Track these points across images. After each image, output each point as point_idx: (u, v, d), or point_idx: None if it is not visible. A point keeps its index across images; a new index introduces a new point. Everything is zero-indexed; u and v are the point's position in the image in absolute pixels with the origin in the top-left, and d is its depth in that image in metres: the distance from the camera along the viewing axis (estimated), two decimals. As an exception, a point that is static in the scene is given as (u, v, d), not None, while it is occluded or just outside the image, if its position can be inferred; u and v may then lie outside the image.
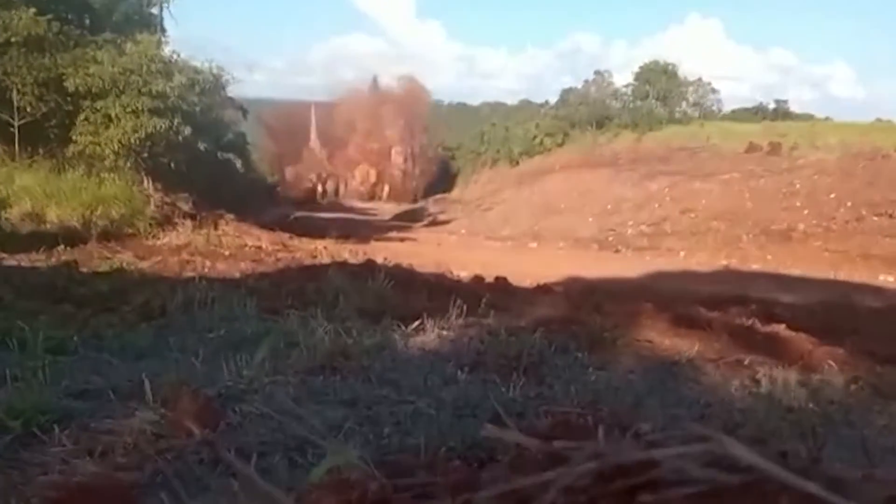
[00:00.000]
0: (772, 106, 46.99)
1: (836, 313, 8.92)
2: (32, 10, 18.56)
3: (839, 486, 1.39)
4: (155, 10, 28.57)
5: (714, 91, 45.24)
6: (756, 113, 44.79)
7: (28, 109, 17.87)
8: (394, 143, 48.88)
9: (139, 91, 18.00)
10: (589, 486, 1.44)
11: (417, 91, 52.42)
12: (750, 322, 6.36)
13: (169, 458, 2.22)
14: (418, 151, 49.35)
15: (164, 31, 26.96)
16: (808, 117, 42.31)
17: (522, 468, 1.75)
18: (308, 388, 3.21)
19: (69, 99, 18.44)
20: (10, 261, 9.86)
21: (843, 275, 17.35)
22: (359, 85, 53.39)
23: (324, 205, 40.87)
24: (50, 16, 18.92)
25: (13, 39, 17.90)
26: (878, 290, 14.64)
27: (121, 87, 18.00)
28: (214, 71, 20.48)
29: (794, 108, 47.19)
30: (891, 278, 17.12)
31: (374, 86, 53.02)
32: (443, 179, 48.23)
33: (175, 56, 20.02)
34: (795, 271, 18.25)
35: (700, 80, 44.78)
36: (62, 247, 11.48)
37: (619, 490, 1.40)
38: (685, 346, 4.89)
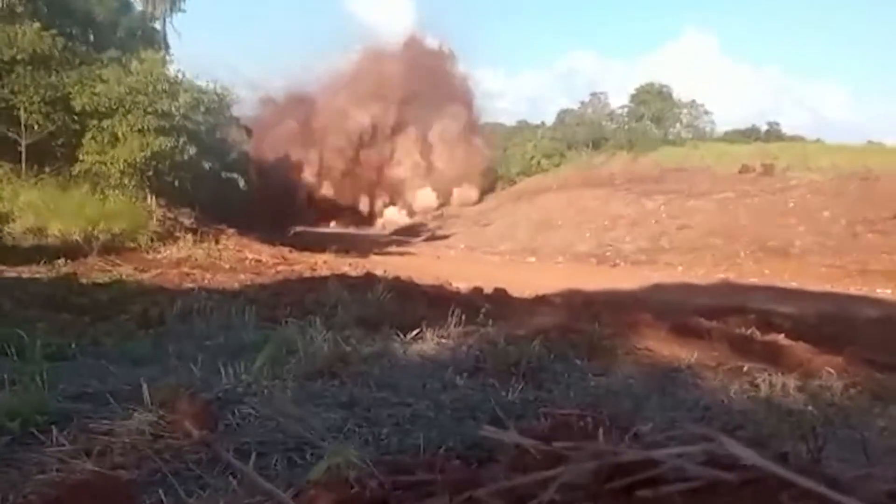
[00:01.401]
0: (764, 128, 47.92)
1: (835, 323, 8.94)
2: (37, 24, 18.69)
3: (839, 484, 1.39)
4: (158, 25, 28.91)
5: (707, 112, 46.54)
6: (748, 136, 45.36)
7: (35, 128, 17.94)
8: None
9: (145, 111, 18.06)
10: (588, 484, 1.44)
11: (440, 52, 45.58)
12: (749, 331, 6.37)
13: (167, 458, 2.22)
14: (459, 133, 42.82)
15: (167, 47, 27.28)
16: (799, 139, 42.81)
17: (522, 468, 1.74)
18: (307, 391, 3.21)
19: (76, 118, 18.51)
20: (11, 273, 9.95)
21: (840, 288, 17.40)
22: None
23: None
24: (54, 31, 19.03)
25: (19, 57, 18.04)
26: (875, 302, 14.65)
27: (127, 107, 18.08)
28: (219, 90, 20.55)
29: (786, 130, 48.18)
30: (888, 291, 17.15)
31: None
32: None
33: (180, 75, 20.18)
34: (793, 284, 18.30)
35: (693, 101, 46.18)
36: (63, 260, 11.67)
37: (619, 487, 1.40)
38: (684, 354, 4.88)
